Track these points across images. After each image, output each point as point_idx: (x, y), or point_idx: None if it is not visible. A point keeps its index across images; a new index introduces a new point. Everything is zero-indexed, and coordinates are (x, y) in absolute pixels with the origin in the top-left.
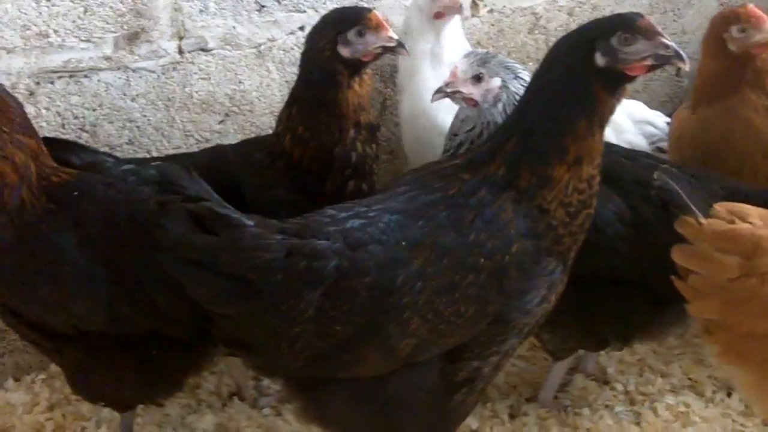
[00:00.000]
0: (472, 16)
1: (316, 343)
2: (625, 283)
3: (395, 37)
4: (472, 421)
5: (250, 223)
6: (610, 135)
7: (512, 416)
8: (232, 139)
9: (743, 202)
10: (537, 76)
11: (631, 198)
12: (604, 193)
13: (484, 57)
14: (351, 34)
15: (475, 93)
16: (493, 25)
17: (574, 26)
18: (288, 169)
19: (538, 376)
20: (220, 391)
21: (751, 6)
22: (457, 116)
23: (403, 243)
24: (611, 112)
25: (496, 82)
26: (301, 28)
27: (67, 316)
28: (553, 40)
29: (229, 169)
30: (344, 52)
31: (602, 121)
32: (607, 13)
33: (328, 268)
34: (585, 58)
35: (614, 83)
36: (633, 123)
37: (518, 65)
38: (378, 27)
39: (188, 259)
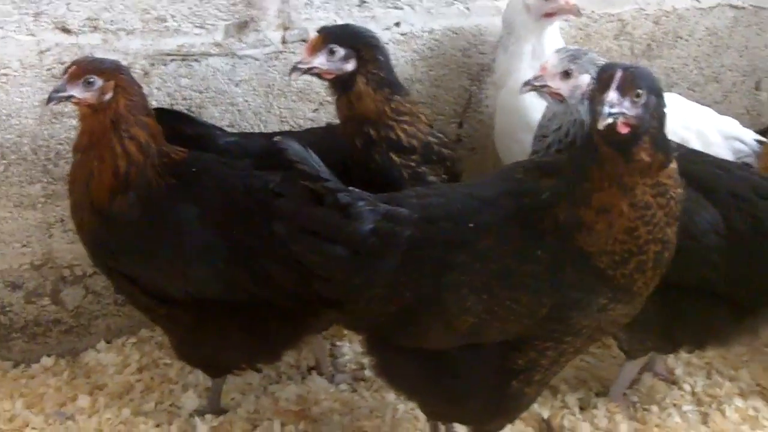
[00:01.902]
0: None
1: (388, 306)
2: (710, 292)
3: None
4: (543, 411)
5: (357, 199)
6: (697, 147)
7: (582, 408)
8: None
9: None
10: None
11: (725, 209)
12: (700, 202)
13: (575, 53)
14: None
15: (563, 88)
16: (581, 29)
17: (659, 34)
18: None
19: (607, 373)
20: (299, 365)
21: None
22: (544, 116)
23: (471, 225)
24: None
25: (585, 79)
26: (397, 24)
27: (183, 283)
28: (637, 47)
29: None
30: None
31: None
32: (691, 24)
33: (404, 235)
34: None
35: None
36: (723, 138)
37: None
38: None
39: (306, 229)
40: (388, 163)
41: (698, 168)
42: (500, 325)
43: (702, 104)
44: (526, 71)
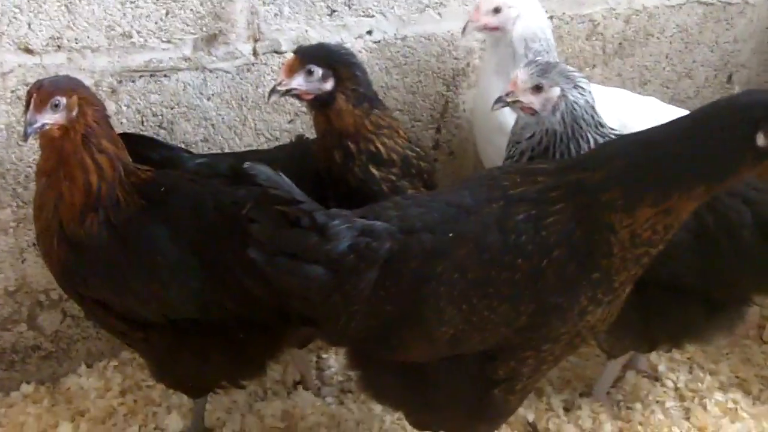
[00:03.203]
0: None
1: (369, 321)
2: (682, 288)
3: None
4: (528, 413)
5: (334, 218)
6: None
7: (567, 410)
8: None
9: None
10: (687, 123)
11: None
12: None
13: (544, 67)
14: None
15: (534, 102)
16: (552, 31)
17: (630, 33)
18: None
19: (591, 372)
20: (285, 380)
21: None
22: (516, 123)
23: (451, 234)
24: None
25: (556, 91)
26: (369, 32)
27: (159, 306)
28: (609, 46)
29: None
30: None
31: (717, 191)
32: (662, 21)
33: (383, 249)
34: (745, 136)
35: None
36: None
37: (578, 74)
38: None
39: (284, 253)
40: (368, 177)
41: None
42: (480, 336)
43: (676, 100)
44: (491, 77)
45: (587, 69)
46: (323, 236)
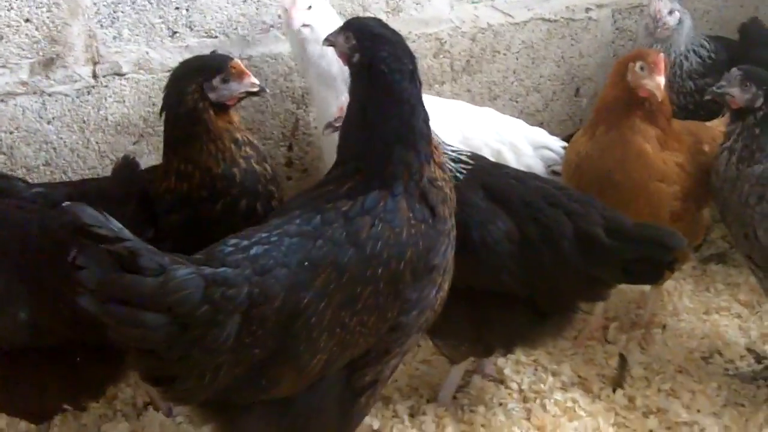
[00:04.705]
0: None
1: (236, 370)
2: (511, 296)
3: (257, 82)
4: (373, 421)
5: (167, 260)
6: (510, 157)
7: (412, 416)
8: (147, 159)
9: (619, 231)
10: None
11: (519, 218)
12: (495, 212)
13: None
14: (216, 81)
15: None
16: None
17: (477, 51)
18: (180, 199)
19: (439, 379)
20: (135, 402)
21: (658, 54)
22: None
23: (306, 264)
24: None
25: None
26: (213, 53)
27: None
28: (457, 63)
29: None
30: (211, 96)
31: None
32: (507, 39)
33: (242, 296)
34: None
35: None
36: (532, 147)
37: None
38: (241, 74)
39: (116, 299)
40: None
41: (495, 180)
42: (351, 351)
43: (525, 113)
44: (320, 89)
45: (437, 86)
46: (164, 285)
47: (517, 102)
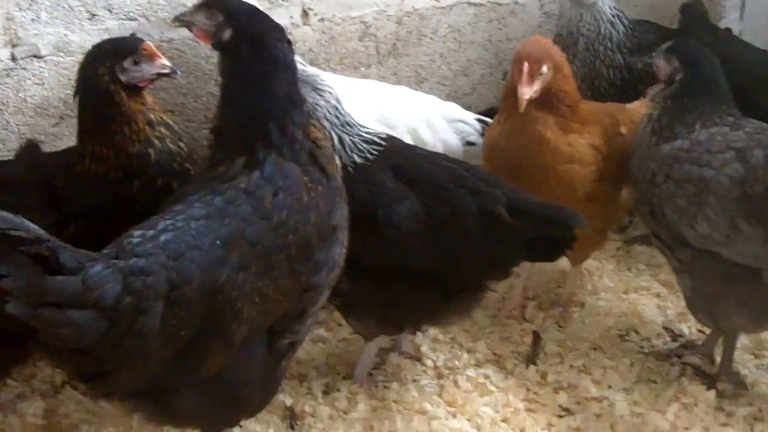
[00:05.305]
0: (304, 24)
1: (164, 354)
2: (418, 275)
3: (168, 64)
4: (286, 399)
5: (83, 256)
6: (426, 134)
7: (326, 393)
8: (67, 141)
9: (522, 210)
10: None
11: (426, 198)
12: (402, 191)
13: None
14: (127, 63)
15: None
16: (324, 32)
17: (403, 34)
18: (96, 179)
19: (355, 356)
20: (54, 380)
21: None
22: None
23: (218, 242)
24: None
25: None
26: (133, 35)
27: None
28: (383, 47)
29: (49, 177)
30: (122, 78)
31: None
32: (434, 22)
33: (160, 281)
34: None
35: None
36: (447, 122)
37: (317, 76)
38: (152, 56)
39: (46, 303)
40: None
41: (405, 161)
42: (270, 318)
43: (453, 97)
44: None
45: (362, 69)
46: (84, 282)
47: (444, 85)
